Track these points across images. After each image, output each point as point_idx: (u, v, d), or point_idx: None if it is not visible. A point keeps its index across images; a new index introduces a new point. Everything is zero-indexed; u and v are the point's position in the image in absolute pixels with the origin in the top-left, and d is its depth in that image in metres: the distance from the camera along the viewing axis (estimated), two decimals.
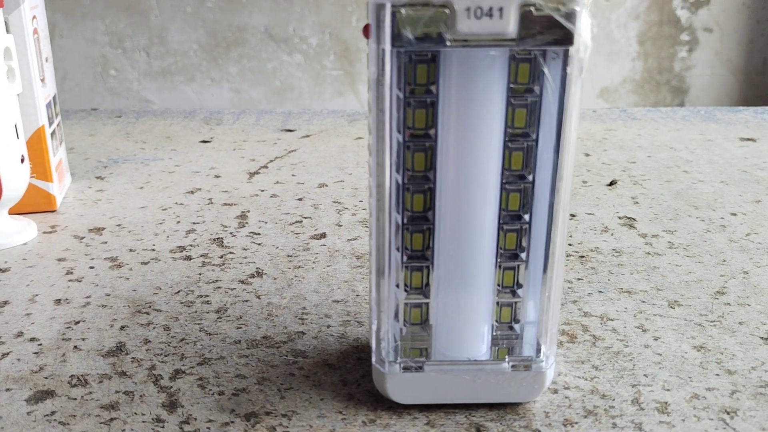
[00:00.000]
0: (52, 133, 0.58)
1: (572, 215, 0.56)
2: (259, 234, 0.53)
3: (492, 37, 0.26)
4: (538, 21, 0.26)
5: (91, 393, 0.33)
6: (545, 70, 0.27)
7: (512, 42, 0.26)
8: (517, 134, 0.29)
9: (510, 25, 0.26)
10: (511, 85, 0.28)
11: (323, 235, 0.52)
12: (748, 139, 0.79)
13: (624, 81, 1.10)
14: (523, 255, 0.31)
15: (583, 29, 0.26)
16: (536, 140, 0.29)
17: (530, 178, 0.30)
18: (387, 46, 0.26)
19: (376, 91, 0.27)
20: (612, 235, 0.52)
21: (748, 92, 1.11)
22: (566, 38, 0.26)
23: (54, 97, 0.60)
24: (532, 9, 0.25)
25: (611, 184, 0.63)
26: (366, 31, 0.28)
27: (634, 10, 1.07)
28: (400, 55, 0.27)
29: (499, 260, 0.31)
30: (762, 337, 0.38)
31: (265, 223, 0.55)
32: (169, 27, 1.04)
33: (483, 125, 0.28)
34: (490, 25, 0.26)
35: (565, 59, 0.27)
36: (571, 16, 0.26)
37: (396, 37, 0.26)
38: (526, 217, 0.31)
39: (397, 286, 0.31)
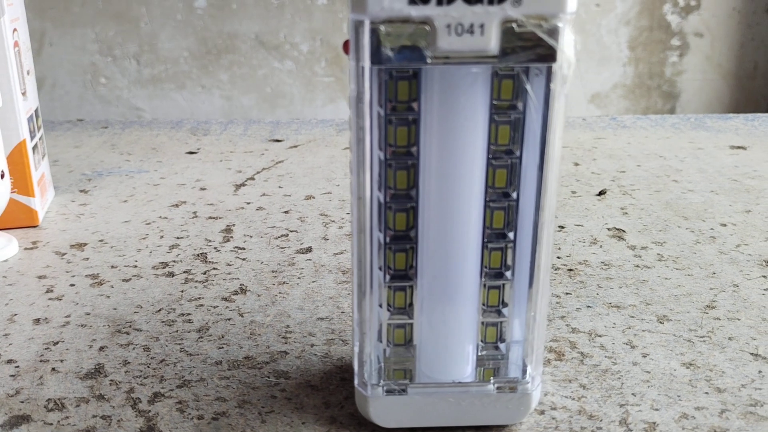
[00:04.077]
0: (34, 147, 0.57)
1: (561, 227, 0.55)
2: (243, 249, 0.52)
3: (474, 54, 0.25)
4: (521, 37, 0.25)
5: (67, 417, 0.33)
6: (528, 87, 0.26)
7: (494, 59, 0.25)
8: (501, 151, 0.29)
9: (492, 42, 0.25)
10: (494, 102, 0.28)
11: (309, 249, 0.52)
12: (739, 147, 0.79)
13: (615, 86, 1.09)
14: (509, 273, 0.31)
15: (566, 45, 0.25)
16: (520, 157, 0.29)
17: (514, 195, 0.29)
18: (366, 63, 0.25)
19: (356, 109, 0.27)
20: (601, 247, 0.52)
21: (739, 96, 1.11)
22: (549, 55, 0.25)
23: (36, 110, 0.59)
24: (514, 26, 0.25)
25: (600, 194, 0.63)
26: (346, 47, 0.27)
27: (624, 16, 1.07)
28: (381, 73, 0.26)
29: (483, 279, 0.30)
30: (752, 353, 0.37)
31: (251, 237, 0.54)
32: (159, 34, 1.03)
33: (466, 142, 0.28)
34: (471, 42, 0.25)
35: (549, 75, 0.26)
36: (553, 32, 0.25)
37: (375, 55, 0.25)
38: (511, 235, 0.30)
39: (380, 306, 0.31)
